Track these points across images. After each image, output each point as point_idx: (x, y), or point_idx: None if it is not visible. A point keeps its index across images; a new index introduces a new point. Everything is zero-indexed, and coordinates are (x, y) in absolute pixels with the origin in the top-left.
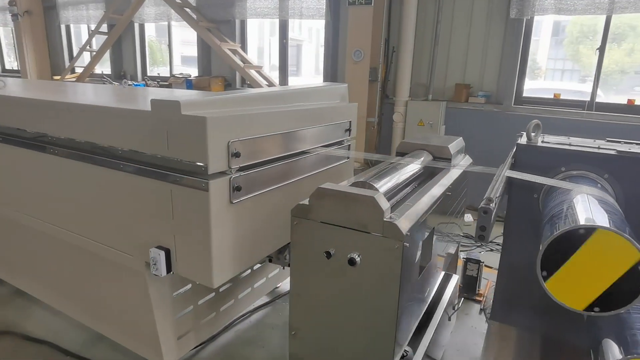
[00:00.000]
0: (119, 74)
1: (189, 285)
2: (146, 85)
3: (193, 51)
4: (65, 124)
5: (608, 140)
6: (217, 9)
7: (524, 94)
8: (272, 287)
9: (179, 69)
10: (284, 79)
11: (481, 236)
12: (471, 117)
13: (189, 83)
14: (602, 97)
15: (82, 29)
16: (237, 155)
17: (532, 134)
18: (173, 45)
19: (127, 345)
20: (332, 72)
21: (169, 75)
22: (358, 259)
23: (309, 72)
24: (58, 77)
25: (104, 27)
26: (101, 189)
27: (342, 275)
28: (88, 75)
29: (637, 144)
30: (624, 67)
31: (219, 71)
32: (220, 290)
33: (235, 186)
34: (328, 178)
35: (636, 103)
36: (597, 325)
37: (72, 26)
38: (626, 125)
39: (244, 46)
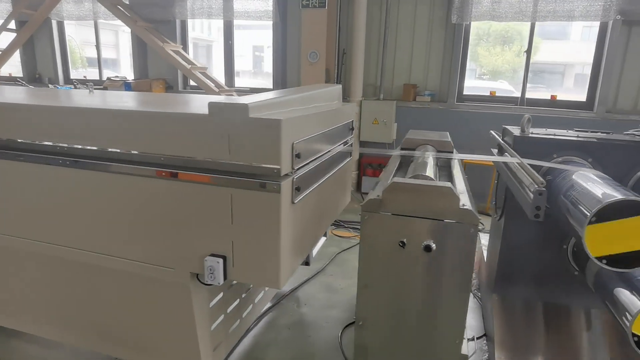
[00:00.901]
0: (33, 77)
1: (221, 294)
2: (75, 88)
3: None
4: (97, 132)
5: (577, 130)
6: (154, 8)
7: (464, 92)
8: (276, 290)
9: (88, 72)
10: (230, 81)
11: (537, 215)
12: (419, 114)
13: (127, 86)
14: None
15: None
16: (298, 156)
17: (526, 127)
18: (73, 47)
19: None
20: (282, 73)
21: (98, 77)
22: (434, 246)
23: (221, 72)
24: None
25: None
26: (138, 202)
27: (416, 263)
28: None
29: (602, 132)
30: (515, 66)
31: (156, 73)
32: (243, 295)
33: (296, 187)
34: (341, 175)
35: (558, 98)
36: (603, 284)
37: None
38: (551, 117)
39: (185, 47)
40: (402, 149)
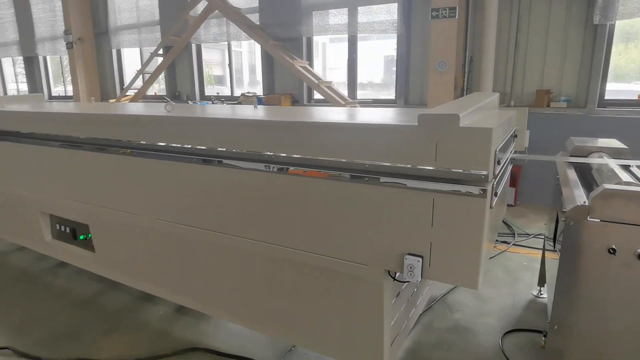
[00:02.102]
0: (174, 94)
1: (399, 293)
2: (212, 104)
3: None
4: (310, 143)
5: None
6: (282, 27)
7: (606, 97)
8: (430, 294)
9: (216, 89)
10: (352, 93)
11: None
12: (554, 121)
13: (259, 101)
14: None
15: (124, 52)
16: (498, 162)
17: None
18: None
19: (333, 355)
20: (405, 83)
21: (229, 94)
22: None
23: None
24: (113, 100)
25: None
26: (343, 205)
27: (628, 270)
28: (142, 96)
29: None
30: None
31: (282, 88)
32: (411, 296)
33: (495, 192)
34: (506, 184)
35: None
36: None
37: (122, 50)
38: None
39: (311, 63)
40: (571, 156)
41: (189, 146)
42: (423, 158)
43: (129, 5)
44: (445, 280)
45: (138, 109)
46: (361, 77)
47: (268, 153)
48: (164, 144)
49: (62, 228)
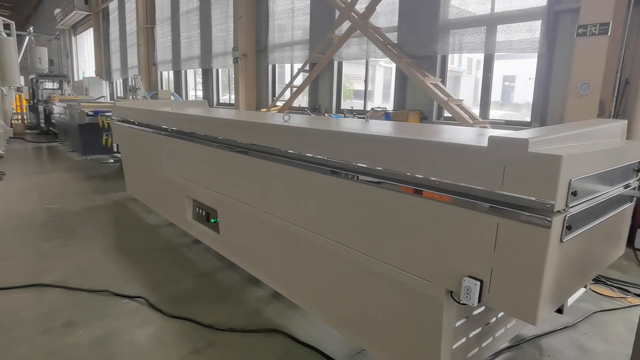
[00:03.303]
0: (315, 107)
1: (467, 318)
2: (344, 117)
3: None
4: (393, 157)
5: None
6: (419, 45)
7: None
8: (517, 331)
9: (355, 103)
10: (484, 112)
11: None
12: None
13: (387, 115)
14: None
15: (278, 67)
16: (574, 193)
17: None
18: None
19: None
20: (543, 105)
21: (362, 108)
22: None
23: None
24: (264, 109)
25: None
26: (411, 219)
27: None
28: (288, 107)
29: None
30: None
31: (413, 104)
32: (487, 325)
33: (567, 225)
34: (617, 222)
35: None
36: None
37: (276, 65)
38: None
39: (444, 80)
40: None
41: (296, 152)
42: (491, 180)
43: (286, 26)
44: (503, 309)
45: (266, 118)
46: (517, 97)
47: (345, 161)
48: (279, 148)
49: (200, 211)
